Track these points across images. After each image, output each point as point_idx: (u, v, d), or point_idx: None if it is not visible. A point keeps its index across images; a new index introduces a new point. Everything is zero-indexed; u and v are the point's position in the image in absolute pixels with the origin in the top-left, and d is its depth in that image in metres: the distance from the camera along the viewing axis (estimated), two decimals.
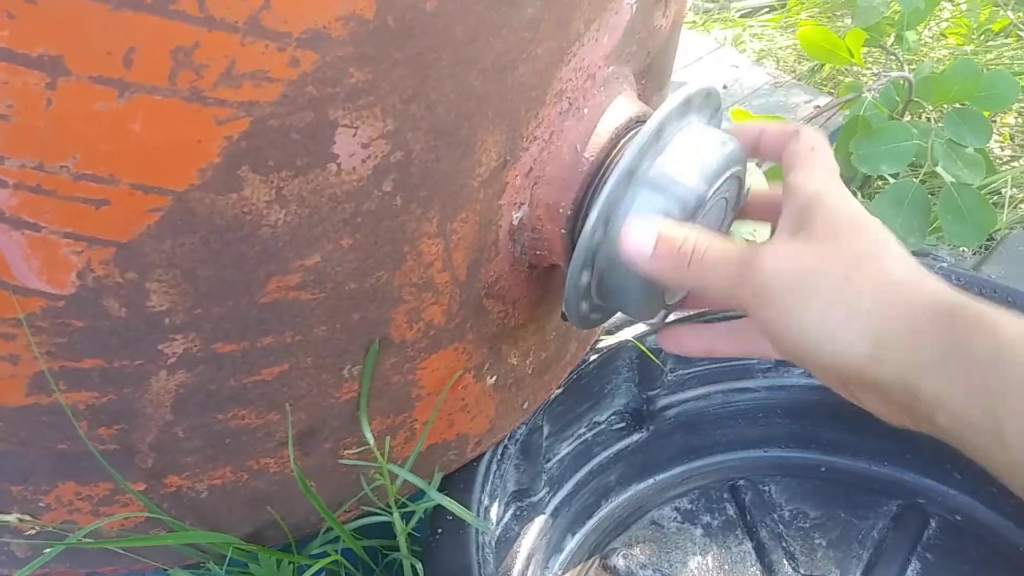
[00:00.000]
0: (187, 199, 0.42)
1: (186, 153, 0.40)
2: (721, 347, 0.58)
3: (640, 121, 0.58)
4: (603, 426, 0.89)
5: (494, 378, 0.65)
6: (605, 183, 0.52)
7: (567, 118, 0.55)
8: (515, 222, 0.56)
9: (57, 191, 0.39)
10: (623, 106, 0.57)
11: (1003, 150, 1.50)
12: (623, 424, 0.90)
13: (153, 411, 0.50)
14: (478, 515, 0.66)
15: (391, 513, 0.62)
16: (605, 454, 0.90)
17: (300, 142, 0.42)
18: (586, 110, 0.55)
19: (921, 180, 0.97)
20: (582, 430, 0.87)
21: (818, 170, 0.50)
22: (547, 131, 0.54)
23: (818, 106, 1.28)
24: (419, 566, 0.62)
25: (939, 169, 0.90)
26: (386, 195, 0.46)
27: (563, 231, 0.56)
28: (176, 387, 0.49)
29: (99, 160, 0.39)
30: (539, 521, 0.83)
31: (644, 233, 0.50)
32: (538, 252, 0.58)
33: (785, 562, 0.85)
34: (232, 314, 0.47)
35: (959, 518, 0.90)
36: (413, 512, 0.64)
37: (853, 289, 0.44)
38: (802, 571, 0.85)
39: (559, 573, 0.86)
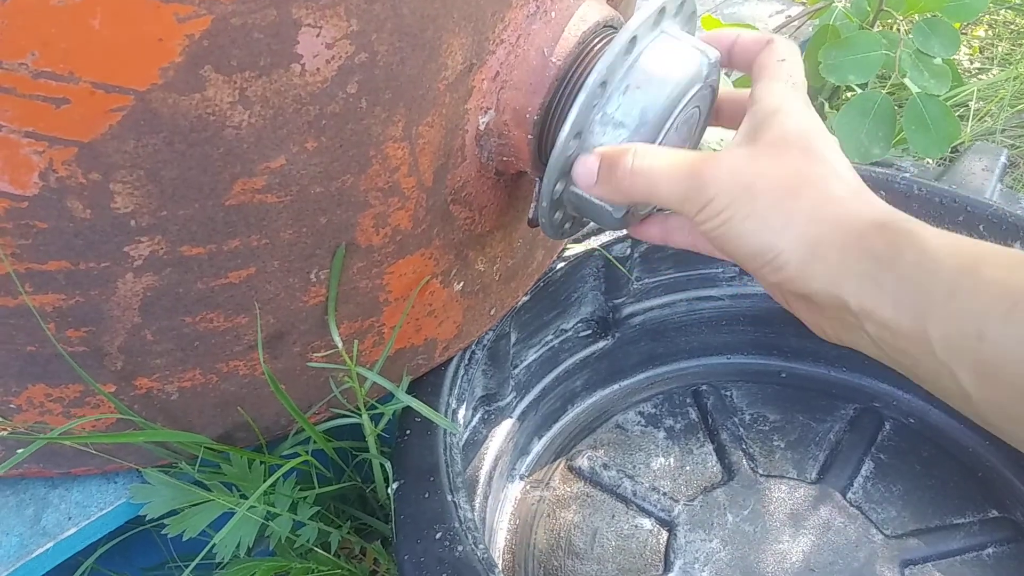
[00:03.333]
0: (149, 99, 0.41)
1: (147, 51, 0.40)
2: (676, 238, 0.59)
3: (608, 26, 0.57)
4: (570, 333, 0.90)
5: (461, 284, 0.65)
6: (578, 91, 0.52)
7: (534, 21, 0.54)
8: (482, 127, 0.56)
9: (16, 88, 0.39)
10: (591, 10, 0.56)
11: (972, 63, 1.50)
12: (589, 331, 0.92)
13: (121, 314, 0.50)
14: (446, 417, 0.68)
15: (360, 415, 0.63)
16: (571, 360, 0.92)
17: (263, 41, 0.42)
18: (553, 13, 0.54)
19: (889, 91, 0.97)
20: (549, 337, 0.89)
21: (780, 83, 0.51)
22: (514, 34, 0.53)
23: (789, 15, 1.27)
24: (388, 465, 0.64)
25: (906, 80, 0.91)
26: (351, 97, 0.46)
27: (530, 137, 0.56)
28: (143, 290, 0.49)
29: (58, 57, 0.38)
30: (506, 425, 0.85)
31: (589, 159, 0.52)
32: (505, 158, 0.58)
33: (744, 463, 0.88)
34: (198, 216, 0.47)
35: (912, 420, 0.93)
36: (382, 414, 0.65)
37: (792, 201, 0.45)
38: (760, 471, 0.88)
39: (525, 474, 0.89)
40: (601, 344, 0.93)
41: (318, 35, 0.43)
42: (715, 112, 0.60)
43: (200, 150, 0.44)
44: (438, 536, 0.59)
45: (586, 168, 0.53)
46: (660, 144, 0.53)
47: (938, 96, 0.89)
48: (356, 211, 0.52)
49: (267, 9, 0.41)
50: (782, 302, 0.49)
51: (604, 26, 0.57)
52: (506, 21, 0.52)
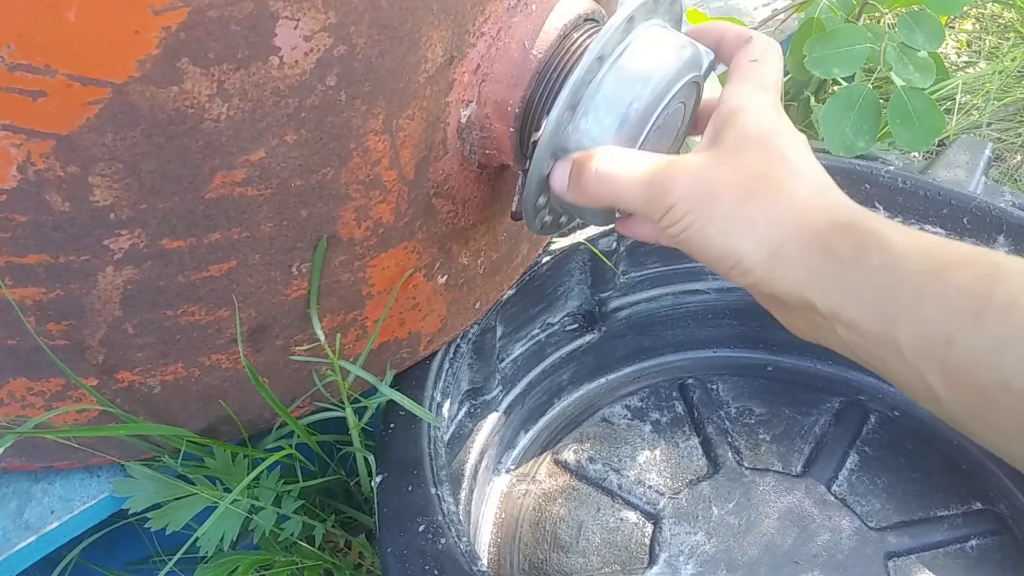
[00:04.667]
0: (127, 91, 0.41)
1: (124, 44, 0.40)
2: (664, 236, 0.58)
3: (590, 19, 0.57)
4: (556, 327, 0.91)
5: (445, 277, 0.65)
6: (564, 84, 0.52)
7: (515, 14, 0.54)
8: (463, 120, 0.56)
9: None
10: (572, 2, 0.56)
11: (959, 56, 1.51)
12: (576, 325, 0.92)
13: (102, 307, 0.50)
14: (430, 411, 0.68)
15: (344, 408, 0.63)
16: (558, 354, 0.92)
17: (240, 34, 0.42)
18: (534, 6, 0.54)
19: (875, 84, 0.98)
20: (535, 331, 0.89)
21: (748, 84, 0.51)
22: (494, 27, 0.54)
23: (775, 8, 1.27)
24: (371, 458, 0.64)
25: (891, 74, 0.91)
26: (330, 90, 0.46)
27: (512, 130, 0.56)
28: (124, 283, 0.49)
29: (34, 50, 0.38)
30: (492, 418, 0.85)
31: (563, 165, 0.53)
32: (487, 151, 0.58)
33: (730, 456, 0.88)
34: (178, 210, 0.47)
35: (897, 413, 0.93)
36: (366, 408, 0.65)
37: (752, 204, 0.45)
38: (746, 464, 0.88)
39: (511, 467, 0.89)
40: (587, 338, 0.93)
41: (296, 27, 0.43)
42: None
43: (179, 143, 0.44)
44: (421, 529, 0.59)
45: (559, 174, 0.53)
46: (646, 136, 0.53)
47: (923, 89, 0.89)
48: (337, 204, 0.52)
49: (244, 1, 0.41)
50: (759, 300, 0.49)
51: (585, 19, 0.57)
52: (486, 14, 0.52)
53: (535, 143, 0.53)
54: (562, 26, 0.55)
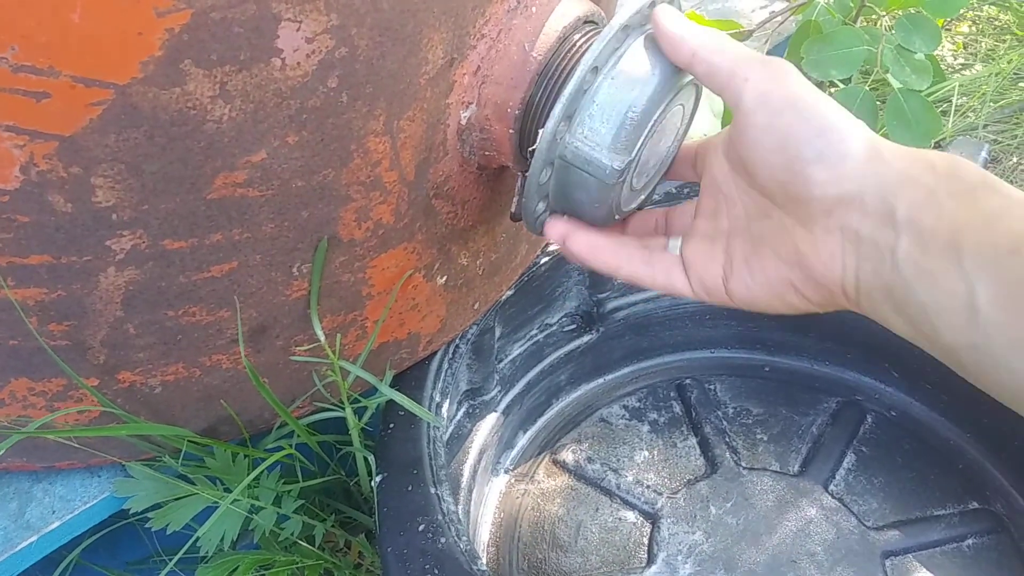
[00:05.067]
0: (130, 93, 0.41)
1: (127, 45, 0.40)
2: (629, 269, 0.57)
3: (589, 21, 0.58)
4: (554, 328, 0.91)
5: (444, 278, 0.66)
6: (559, 94, 0.52)
7: (515, 16, 0.54)
8: (463, 121, 0.56)
9: None
10: (572, 5, 0.57)
11: (956, 59, 1.51)
12: (574, 326, 0.92)
13: (103, 307, 0.51)
14: (429, 411, 0.68)
15: (343, 408, 0.63)
16: (556, 355, 0.92)
17: (243, 36, 0.42)
18: (534, 8, 0.55)
19: (872, 86, 0.98)
20: (534, 331, 0.89)
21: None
22: (494, 29, 0.54)
23: (773, 11, 1.28)
24: (371, 458, 0.64)
25: (888, 76, 0.91)
26: (331, 91, 0.47)
27: (511, 131, 0.56)
28: (126, 284, 0.50)
29: (38, 51, 0.39)
30: (491, 419, 0.86)
31: (556, 230, 0.58)
32: (487, 153, 0.59)
33: (728, 456, 0.89)
34: (180, 210, 0.47)
35: (894, 414, 0.94)
36: (366, 408, 0.66)
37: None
38: (743, 464, 0.88)
39: (510, 467, 0.89)
40: (585, 338, 0.93)
41: (298, 29, 0.43)
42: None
43: (181, 144, 0.44)
44: (421, 528, 0.60)
45: (552, 234, 0.59)
46: (643, 142, 0.53)
47: (919, 92, 0.89)
48: (338, 205, 0.52)
49: (247, 3, 0.41)
50: (818, 207, 0.47)
51: (585, 21, 0.57)
52: (487, 16, 0.53)
53: (532, 151, 0.53)
54: (561, 28, 0.55)
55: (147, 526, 0.61)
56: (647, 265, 0.57)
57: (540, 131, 0.53)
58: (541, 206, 0.58)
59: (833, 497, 0.85)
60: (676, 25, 0.50)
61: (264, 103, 0.45)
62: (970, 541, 0.83)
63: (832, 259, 0.46)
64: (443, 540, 0.59)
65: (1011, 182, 1.24)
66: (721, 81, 0.49)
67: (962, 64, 1.48)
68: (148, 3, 0.39)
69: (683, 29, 0.50)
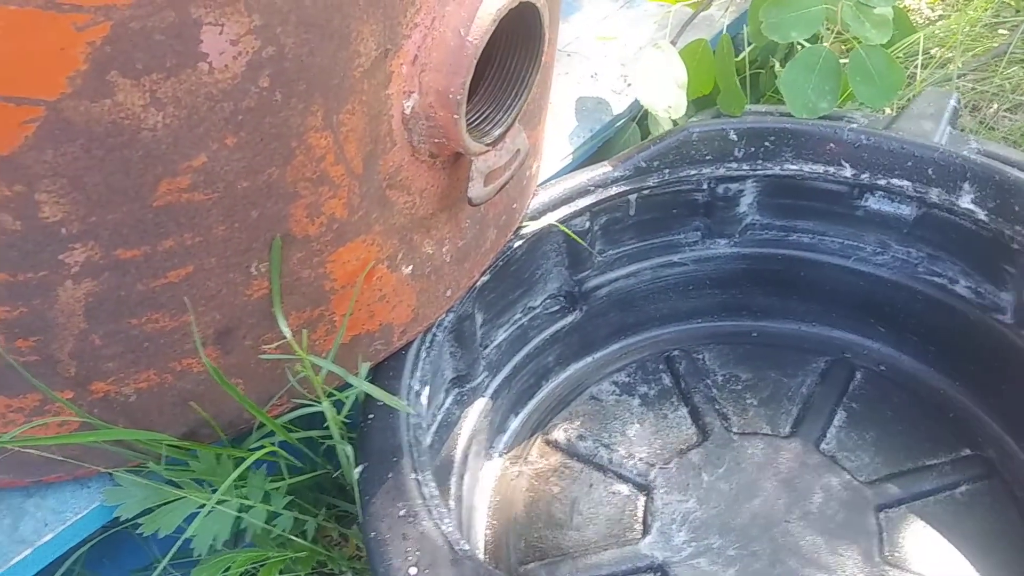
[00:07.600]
0: (61, 108, 0.43)
1: (51, 61, 0.41)
2: None
3: (526, 2, 0.58)
4: (538, 310, 0.92)
5: (410, 268, 0.67)
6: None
7: (447, 3, 0.55)
8: (407, 111, 0.57)
9: None
10: None
11: (933, 11, 1.50)
12: (557, 307, 0.93)
13: (66, 320, 0.52)
14: (408, 400, 0.69)
15: (320, 403, 0.64)
16: (541, 336, 0.93)
17: (166, 43, 0.43)
18: None
19: (847, 44, 0.98)
20: (517, 315, 0.90)
21: None
22: (428, 17, 0.55)
23: None
24: (349, 450, 0.65)
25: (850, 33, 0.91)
26: (264, 91, 0.48)
27: (455, 116, 0.57)
28: (85, 295, 0.51)
29: None
30: (480, 404, 0.86)
31: None
32: (436, 140, 0.60)
33: (718, 423, 0.89)
34: (128, 220, 0.48)
35: (883, 368, 0.94)
36: (344, 401, 0.66)
37: None
38: (734, 430, 0.89)
39: (503, 451, 0.90)
40: (570, 318, 0.94)
41: (221, 32, 0.44)
42: None
43: (119, 154, 0.45)
44: (402, 513, 0.61)
45: None
46: None
47: (881, 46, 0.89)
48: (287, 202, 0.53)
49: (165, 11, 0.42)
50: None
51: (521, 2, 0.58)
52: (417, 5, 0.53)
53: None
54: (496, 11, 0.56)
55: (138, 532, 0.62)
56: None
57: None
58: None
59: (825, 455, 0.85)
60: None
61: (197, 108, 0.46)
62: (963, 488, 0.83)
63: None
64: (424, 524, 0.60)
65: (993, 129, 1.23)
66: None
67: (940, 16, 1.48)
68: (67, 19, 0.40)
69: None
